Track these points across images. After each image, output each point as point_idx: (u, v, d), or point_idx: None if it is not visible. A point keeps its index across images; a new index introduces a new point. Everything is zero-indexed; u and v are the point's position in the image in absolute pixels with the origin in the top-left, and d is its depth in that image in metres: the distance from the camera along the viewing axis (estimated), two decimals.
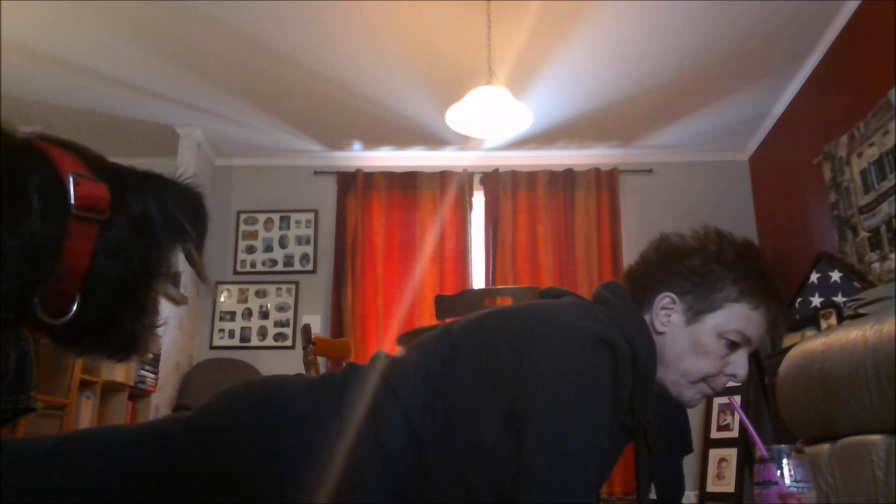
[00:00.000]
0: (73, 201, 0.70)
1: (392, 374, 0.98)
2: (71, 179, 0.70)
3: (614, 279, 1.14)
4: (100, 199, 0.72)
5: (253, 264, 4.84)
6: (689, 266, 1.06)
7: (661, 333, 1.06)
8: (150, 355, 4.03)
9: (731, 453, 3.84)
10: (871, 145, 3.10)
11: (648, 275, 1.09)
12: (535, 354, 0.91)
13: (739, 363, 1.05)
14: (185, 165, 4.53)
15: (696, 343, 1.04)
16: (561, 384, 0.88)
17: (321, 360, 2.90)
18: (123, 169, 0.79)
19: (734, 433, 3.89)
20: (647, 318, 1.07)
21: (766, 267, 1.07)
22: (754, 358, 3.90)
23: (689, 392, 1.07)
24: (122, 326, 0.78)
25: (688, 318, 1.05)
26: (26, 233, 0.67)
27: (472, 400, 0.92)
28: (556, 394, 0.87)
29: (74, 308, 0.73)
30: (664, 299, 1.06)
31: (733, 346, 1.05)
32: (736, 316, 1.04)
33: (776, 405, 2.16)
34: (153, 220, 0.77)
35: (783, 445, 1.01)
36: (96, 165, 0.76)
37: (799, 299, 3.55)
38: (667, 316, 1.06)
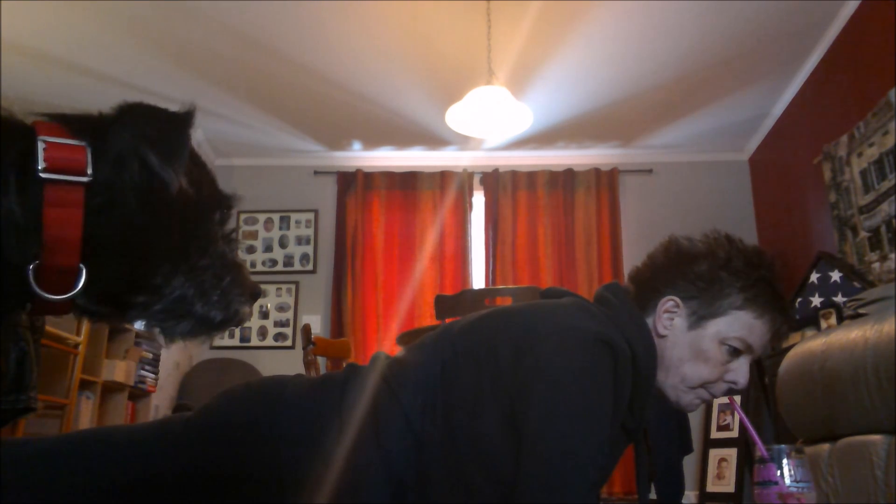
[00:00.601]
0: (40, 166, 0.66)
1: (392, 374, 0.98)
2: (40, 145, 0.67)
3: (616, 281, 1.14)
4: (73, 160, 0.67)
5: (253, 264, 4.84)
6: (697, 271, 1.05)
7: (663, 337, 1.05)
8: (151, 351, 4.03)
9: (731, 453, 3.84)
10: (871, 145, 3.10)
11: (654, 277, 1.08)
12: (536, 354, 0.91)
13: (740, 371, 1.05)
14: None
15: (697, 348, 1.04)
16: (561, 384, 0.88)
17: (321, 360, 2.90)
18: (105, 118, 0.73)
19: (734, 433, 3.89)
20: (649, 320, 1.06)
21: (773, 276, 1.06)
22: (754, 358, 3.90)
23: (687, 397, 1.07)
24: (158, 292, 0.72)
25: (690, 323, 1.05)
26: (2, 211, 0.64)
27: (473, 400, 0.92)
28: (556, 393, 0.87)
29: (82, 281, 0.68)
30: (668, 302, 1.05)
31: (735, 353, 1.04)
32: (739, 323, 1.04)
33: (776, 405, 2.16)
34: (132, 149, 0.70)
35: (783, 445, 1.01)
36: (79, 127, 0.71)
37: (799, 299, 3.55)
38: (669, 319, 1.05)
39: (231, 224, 0.81)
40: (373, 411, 0.94)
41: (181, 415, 0.99)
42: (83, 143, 0.69)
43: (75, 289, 0.68)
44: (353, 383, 0.99)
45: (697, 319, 1.04)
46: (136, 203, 0.70)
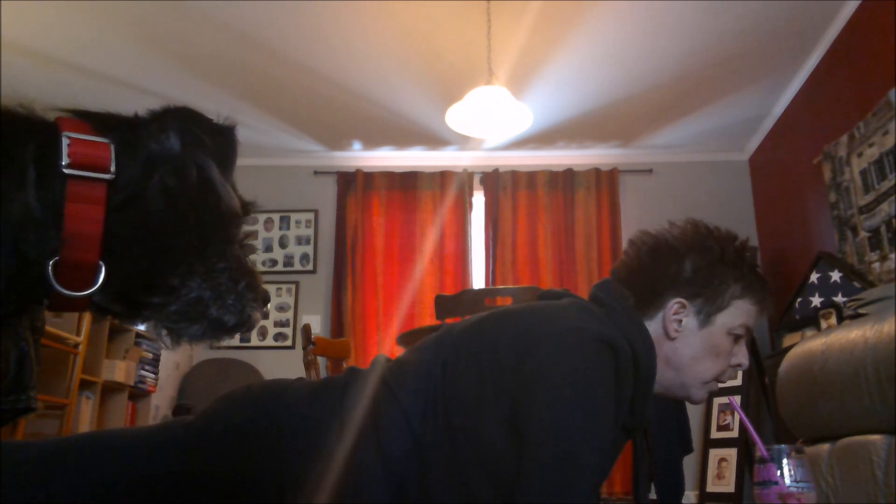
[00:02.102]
0: (63, 162, 0.66)
1: (392, 376, 0.98)
2: (64, 141, 0.66)
3: (608, 279, 1.13)
4: (97, 157, 0.67)
5: (252, 264, 4.84)
6: (695, 268, 1.06)
7: (672, 339, 1.06)
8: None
9: (731, 453, 3.84)
10: (871, 145, 3.10)
11: (653, 281, 1.08)
12: (537, 356, 0.91)
13: (742, 353, 1.08)
14: None
15: (711, 345, 1.05)
16: (562, 385, 0.88)
17: (321, 361, 2.90)
18: (140, 118, 0.73)
19: (734, 433, 3.89)
20: (653, 323, 1.06)
21: (755, 260, 1.10)
22: (754, 359, 3.90)
23: (701, 392, 1.09)
24: (174, 292, 0.72)
25: (700, 322, 1.05)
26: (19, 205, 0.64)
27: (474, 402, 0.92)
28: (557, 395, 0.87)
29: (101, 278, 0.67)
30: (675, 305, 1.05)
31: (737, 339, 1.07)
32: (740, 312, 1.06)
33: (776, 405, 2.16)
34: (172, 150, 0.70)
35: (783, 445, 1.01)
36: (105, 124, 0.71)
37: (799, 299, 3.55)
38: (678, 321, 1.06)
39: (246, 231, 0.81)
40: (373, 413, 0.94)
41: (182, 418, 0.99)
42: (107, 140, 0.69)
43: (94, 285, 0.68)
44: (353, 386, 0.99)
45: (706, 317, 1.05)
46: (164, 204, 0.70)
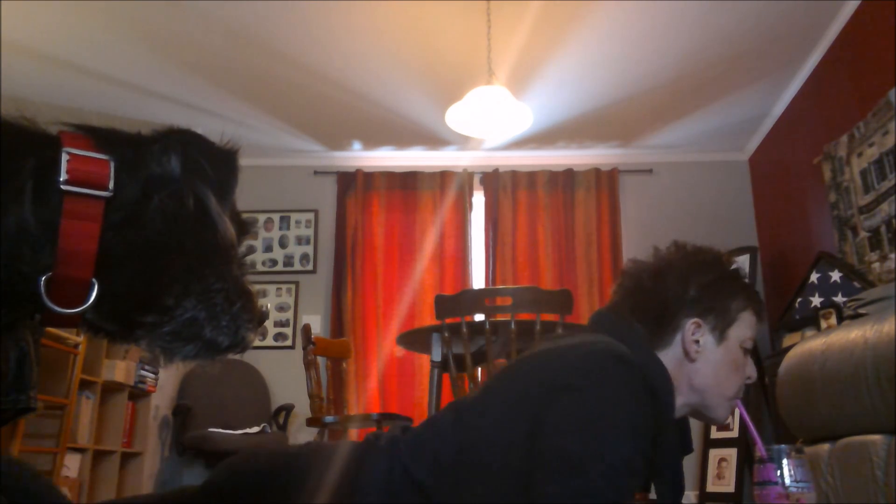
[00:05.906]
0: (61, 178, 0.65)
1: (409, 456, 0.95)
2: (63, 157, 0.66)
3: (610, 315, 1.10)
4: (96, 174, 0.67)
5: (253, 264, 4.83)
6: (699, 285, 1.06)
7: (693, 360, 1.05)
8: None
9: (731, 453, 3.84)
10: (871, 145, 3.10)
11: (660, 304, 1.07)
12: (560, 369, 0.91)
13: (751, 366, 1.10)
14: None
15: (730, 360, 1.06)
16: (584, 393, 0.88)
17: (321, 360, 2.90)
18: (143, 137, 0.72)
19: (734, 433, 3.89)
20: (670, 349, 1.05)
21: (745, 272, 1.13)
22: (754, 358, 3.90)
23: (724, 410, 1.08)
24: (168, 312, 0.71)
25: (716, 338, 1.06)
26: (15, 219, 0.63)
27: (496, 476, 0.91)
28: (578, 400, 0.88)
29: (93, 296, 0.67)
30: (691, 326, 1.05)
31: (746, 352, 1.08)
32: (746, 324, 1.08)
33: (776, 405, 2.16)
34: (172, 174, 0.70)
35: (783, 445, 1.01)
36: (108, 140, 0.70)
37: (799, 299, 3.55)
38: (696, 342, 1.05)
39: (245, 249, 0.80)
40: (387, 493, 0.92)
41: (184, 489, 0.98)
42: (107, 158, 0.69)
43: (86, 303, 0.67)
44: (366, 464, 0.96)
45: (720, 333, 1.06)
46: (162, 225, 0.69)
